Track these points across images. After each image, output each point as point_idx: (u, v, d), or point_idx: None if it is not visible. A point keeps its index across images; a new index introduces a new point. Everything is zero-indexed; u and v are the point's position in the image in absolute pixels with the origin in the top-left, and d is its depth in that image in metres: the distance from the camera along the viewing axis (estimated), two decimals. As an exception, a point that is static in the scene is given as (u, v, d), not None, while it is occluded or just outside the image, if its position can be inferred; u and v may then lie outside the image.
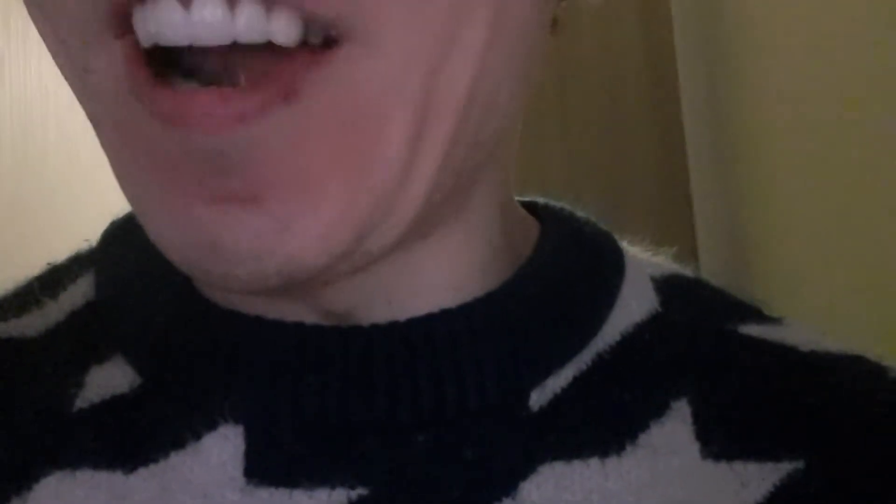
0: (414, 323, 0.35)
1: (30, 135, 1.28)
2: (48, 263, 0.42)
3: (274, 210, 0.29)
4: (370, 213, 0.30)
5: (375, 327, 0.35)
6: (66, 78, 0.32)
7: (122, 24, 0.29)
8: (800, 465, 0.35)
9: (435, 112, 0.30)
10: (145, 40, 0.29)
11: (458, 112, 0.30)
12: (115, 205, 0.41)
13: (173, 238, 0.30)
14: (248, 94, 0.28)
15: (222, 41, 0.28)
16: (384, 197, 0.30)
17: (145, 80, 0.29)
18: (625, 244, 0.42)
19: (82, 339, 0.38)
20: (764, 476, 0.35)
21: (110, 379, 0.36)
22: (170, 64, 0.30)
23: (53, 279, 0.41)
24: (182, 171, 0.29)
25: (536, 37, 0.34)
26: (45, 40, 0.32)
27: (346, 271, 0.32)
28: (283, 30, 0.28)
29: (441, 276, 0.36)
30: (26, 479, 0.34)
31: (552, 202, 0.42)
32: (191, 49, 0.28)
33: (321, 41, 0.29)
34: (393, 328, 0.35)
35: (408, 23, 0.29)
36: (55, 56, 0.32)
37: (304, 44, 0.29)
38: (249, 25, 0.28)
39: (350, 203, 0.29)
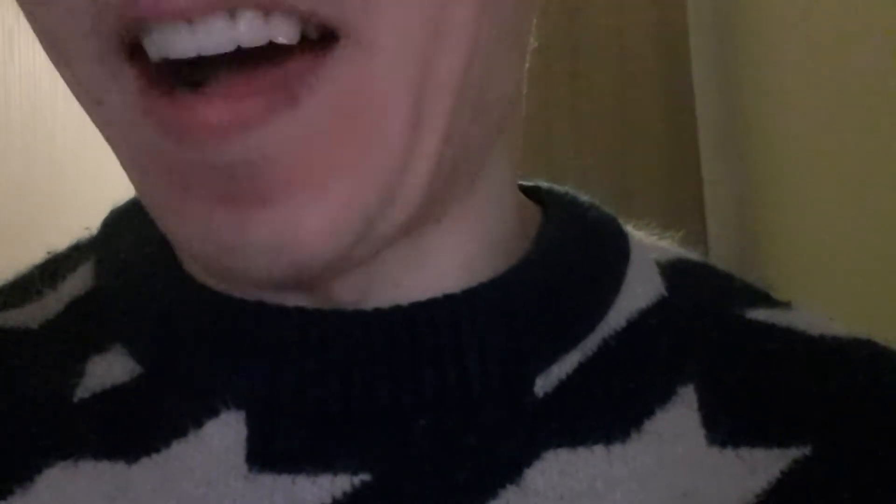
0: (417, 307, 0.35)
1: (39, 111, 1.28)
2: (48, 252, 0.42)
3: (283, 209, 0.30)
4: (376, 197, 0.31)
5: (378, 311, 0.34)
6: (84, 108, 0.33)
7: (133, 49, 0.31)
8: (807, 450, 0.35)
9: (432, 94, 0.31)
10: (154, 53, 0.30)
11: (455, 90, 0.31)
12: (123, 184, 0.41)
13: (193, 241, 0.32)
14: (251, 99, 0.29)
15: (226, 48, 0.29)
16: (389, 180, 0.31)
17: (156, 99, 0.30)
18: (630, 228, 0.42)
19: (82, 329, 0.38)
20: (771, 462, 0.35)
21: (110, 369, 0.36)
22: (179, 82, 0.31)
23: (53, 268, 0.41)
24: (196, 182, 0.31)
25: (525, 2, 0.35)
26: (62, 75, 0.33)
27: (360, 257, 0.32)
28: (283, 31, 0.30)
29: (451, 259, 0.36)
30: (28, 470, 0.34)
31: (555, 186, 0.42)
32: (199, 63, 0.30)
33: (319, 36, 0.30)
34: (395, 312, 0.34)
35: (399, 14, 0.30)
36: (72, 89, 0.33)
37: (304, 40, 0.30)
38: (250, 30, 0.29)
39: (356, 192, 0.30)
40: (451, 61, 0.31)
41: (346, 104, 0.30)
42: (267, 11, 0.29)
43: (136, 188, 0.34)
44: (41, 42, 0.33)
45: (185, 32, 0.29)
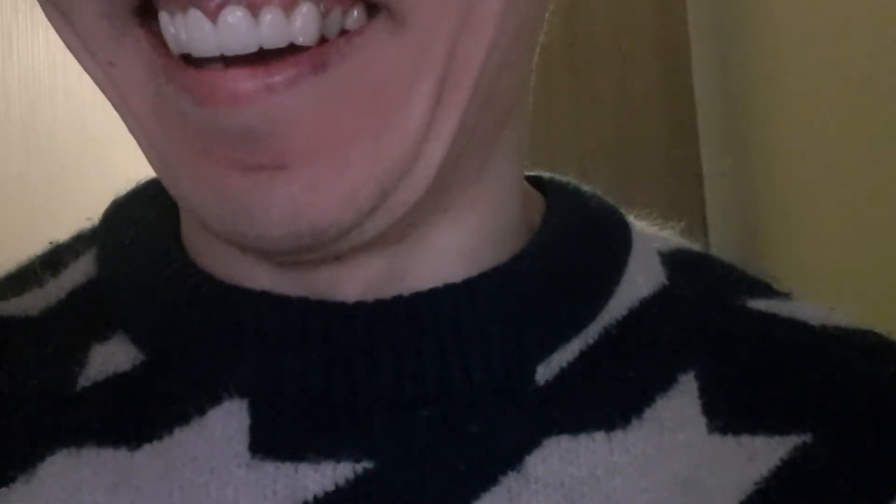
0: (418, 297, 0.35)
1: (38, 108, 1.28)
2: (50, 242, 0.42)
3: (302, 175, 0.30)
4: (392, 172, 0.31)
5: (380, 302, 0.35)
6: (90, 73, 0.33)
7: (146, 13, 0.31)
8: (807, 438, 0.35)
9: (454, 78, 0.31)
10: (175, 49, 0.30)
11: (475, 77, 0.32)
12: (123, 178, 0.41)
13: (209, 207, 0.32)
14: (277, 69, 0.30)
15: (249, 49, 0.30)
16: (405, 157, 0.31)
17: (179, 67, 0.31)
18: (631, 218, 0.42)
19: (83, 317, 0.38)
20: (771, 450, 0.35)
21: (113, 357, 0.36)
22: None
23: (55, 257, 0.41)
24: (214, 146, 0.31)
25: (543, 2, 0.35)
26: (64, 40, 0.33)
27: (371, 232, 0.32)
28: (302, 30, 0.30)
29: (457, 250, 0.36)
30: (31, 457, 0.34)
31: (558, 176, 0.42)
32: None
33: (339, 32, 0.30)
34: (397, 303, 0.34)
35: None
36: (77, 54, 0.33)
37: (322, 41, 0.30)
38: (272, 31, 0.30)
39: (373, 164, 0.31)
40: (475, 50, 0.31)
41: (374, 75, 0.30)
42: (288, 7, 0.29)
43: (148, 154, 0.34)
44: (48, 15, 0.33)
45: (208, 30, 0.29)
